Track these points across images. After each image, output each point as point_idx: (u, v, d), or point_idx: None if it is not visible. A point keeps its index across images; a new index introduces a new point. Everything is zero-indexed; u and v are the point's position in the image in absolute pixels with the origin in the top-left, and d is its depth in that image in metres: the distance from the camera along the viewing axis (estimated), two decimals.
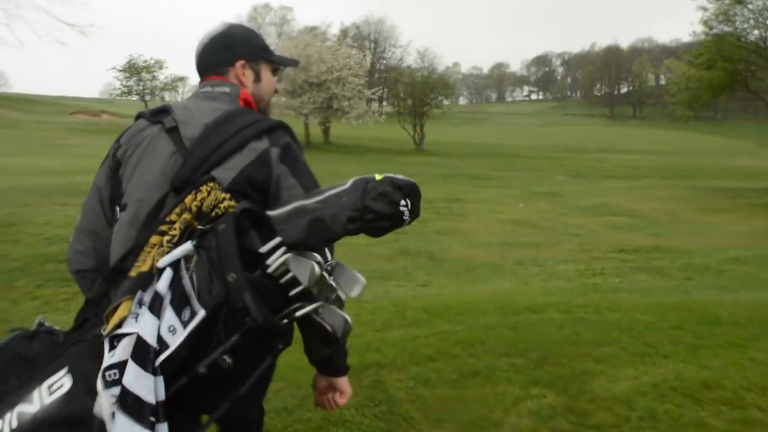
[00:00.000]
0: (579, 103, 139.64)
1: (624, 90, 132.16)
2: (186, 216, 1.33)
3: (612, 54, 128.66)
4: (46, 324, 1.41)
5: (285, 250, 1.29)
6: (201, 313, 1.20)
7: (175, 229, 1.32)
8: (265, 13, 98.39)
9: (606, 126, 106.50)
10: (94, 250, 1.56)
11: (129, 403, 1.14)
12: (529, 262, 9.10)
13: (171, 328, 1.20)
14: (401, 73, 53.38)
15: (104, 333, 1.23)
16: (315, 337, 1.45)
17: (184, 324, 1.20)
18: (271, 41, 44.09)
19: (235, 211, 1.34)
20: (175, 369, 1.20)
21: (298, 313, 1.31)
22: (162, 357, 1.18)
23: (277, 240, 1.30)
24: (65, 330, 1.41)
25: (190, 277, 1.25)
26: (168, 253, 1.28)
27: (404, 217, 1.30)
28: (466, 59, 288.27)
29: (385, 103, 67.43)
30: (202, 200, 1.35)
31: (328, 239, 1.33)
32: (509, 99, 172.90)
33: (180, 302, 1.22)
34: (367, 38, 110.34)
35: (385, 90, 51.03)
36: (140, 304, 1.24)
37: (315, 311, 1.34)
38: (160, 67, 54.72)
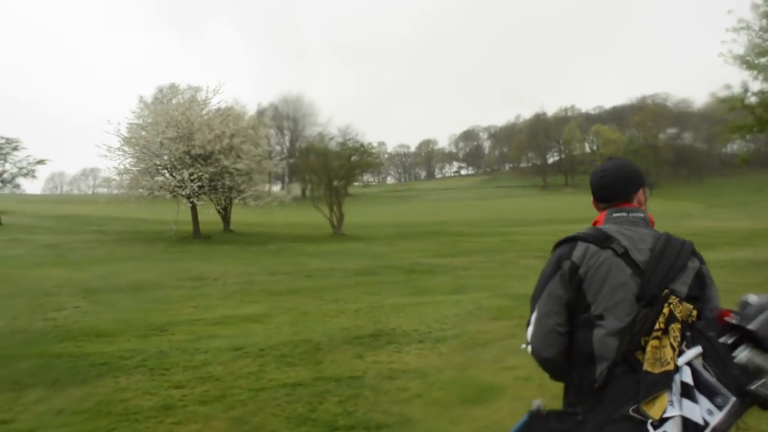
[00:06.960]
0: (509, 175, 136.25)
1: (551, 159, 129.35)
2: (676, 325, 1.83)
3: (539, 123, 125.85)
4: (542, 408, 1.93)
5: (747, 345, 1.77)
6: (732, 400, 1.67)
7: (676, 337, 1.81)
8: (172, 95, 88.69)
9: (541, 196, 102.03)
10: (557, 342, 2.07)
11: None
12: None
13: (709, 411, 1.66)
14: (312, 143, 44.00)
15: (652, 418, 1.68)
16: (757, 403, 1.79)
17: (719, 407, 1.67)
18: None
19: (702, 327, 1.86)
20: None
21: (752, 387, 1.70)
22: (707, 430, 1.63)
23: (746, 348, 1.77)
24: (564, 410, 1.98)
25: (707, 371, 1.74)
26: (680, 354, 1.77)
27: None
28: (391, 138, 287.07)
29: (295, 185, 58.75)
30: (680, 312, 1.86)
31: None
32: (439, 176, 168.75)
33: (709, 391, 1.70)
34: (286, 117, 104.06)
35: (292, 162, 41.81)
36: (672, 393, 1.70)
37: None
38: (14, 149, 43.89)
